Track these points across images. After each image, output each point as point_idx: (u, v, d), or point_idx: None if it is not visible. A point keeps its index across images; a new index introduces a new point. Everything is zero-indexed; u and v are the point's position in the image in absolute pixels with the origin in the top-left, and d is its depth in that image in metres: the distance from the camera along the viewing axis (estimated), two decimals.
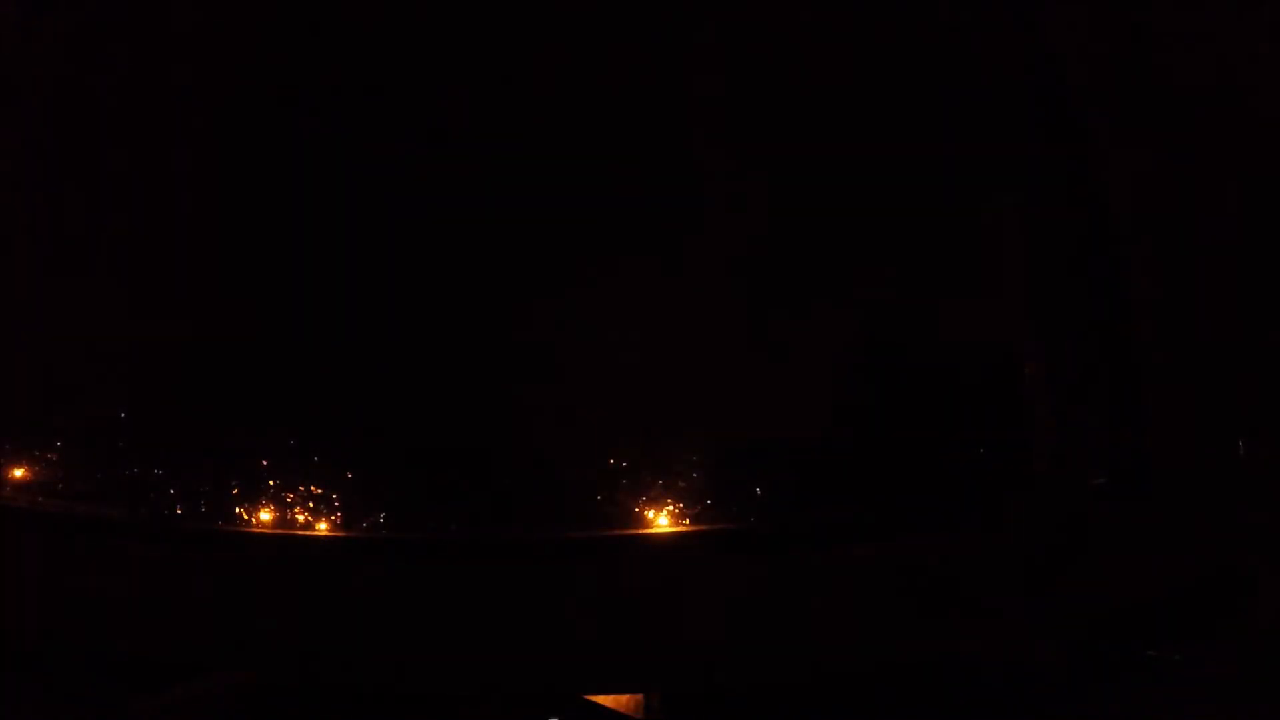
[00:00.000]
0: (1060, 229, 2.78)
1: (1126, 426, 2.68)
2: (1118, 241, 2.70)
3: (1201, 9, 2.59)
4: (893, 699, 2.45)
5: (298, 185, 3.00)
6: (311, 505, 2.88)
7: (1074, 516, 2.56)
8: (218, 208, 3.07)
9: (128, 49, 3.09)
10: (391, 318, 2.98)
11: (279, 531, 2.86)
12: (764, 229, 2.94)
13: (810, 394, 2.93)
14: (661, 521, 2.75)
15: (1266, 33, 2.56)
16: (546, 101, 2.95)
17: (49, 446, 3.10)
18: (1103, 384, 2.71)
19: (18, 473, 3.04)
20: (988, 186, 2.93)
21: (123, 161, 3.08)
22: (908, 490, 2.78)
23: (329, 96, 3.00)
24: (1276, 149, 2.56)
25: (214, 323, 3.02)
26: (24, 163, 3.15)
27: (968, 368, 2.90)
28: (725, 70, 2.93)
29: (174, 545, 2.76)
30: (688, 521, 2.75)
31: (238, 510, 2.90)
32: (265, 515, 2.89)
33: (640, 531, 2.73)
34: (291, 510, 2.89)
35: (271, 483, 2.93)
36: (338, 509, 2.88)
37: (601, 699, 2.53)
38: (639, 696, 2.52)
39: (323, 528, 2.86)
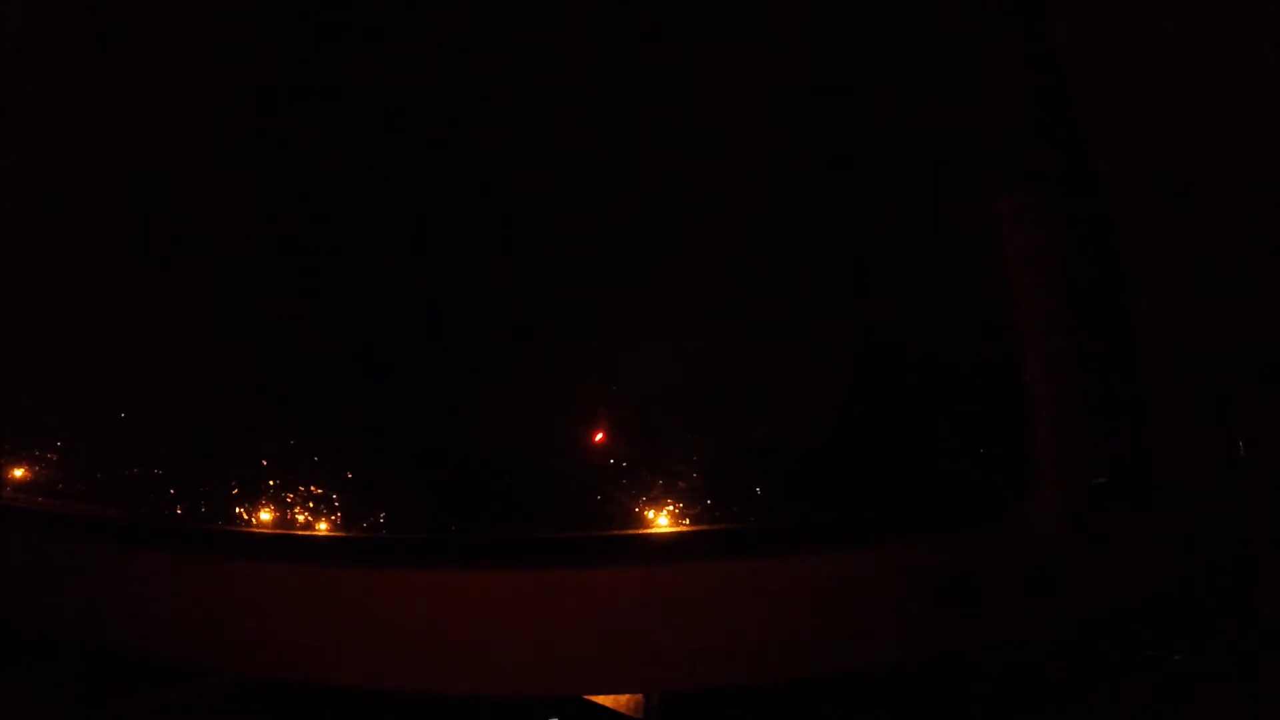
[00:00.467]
0: (1060, 229, 2.78)
1: (1126, 426, 2.68)
2: (1118, 241, 2.70)
3: (1202, 9, 2.59)
4: (893, 699, 2.45)
5: (298, 185, 3.00)
6: (311, 505, 2.88)
7: (1074, 516, 2.56)
8: (218, 208, 3.07)
9: (128, 49, 3.09)
10: (392, 318, 2.98)
11: (279, 531, 2.86)
12: (764, 229, 2.94)
13: (810, 394, 2.93)
14: (661, 521, 2.75)
15: (1267, 33, 2.56)
16: (545, 100, 2.95)
17: (49, 446, 3.10)
18: (1103, 384, 2.71)
19: (18, 473, 3.03)
20: (987, 186, 2.93)
21: (123, 161, 3.08)
22: (907, 490, 2.78)
23: (329, 97, 3.00)
24: (1277, 149, 2.56)
25: (214, 322, 3.02)
26: (24, 163, 3.15)
27: (967, 367, 2.91)
28: (725, 70, 2.93)
29: (174, 545, 2.76)
30: (688, 521, 2.75)
31: (238, 510, 2.90)
32: (265, 515, 2.88)
33: (640, 531, 2.73)
34: (291, 510, 2.89)
35: (271, 483, 2.92)
36: (338, 509, 2.88)
37: (601, 699, 2.53)
38: (639, 696, 2.52)
39: (323, 528, 2.86)
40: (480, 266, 2.94)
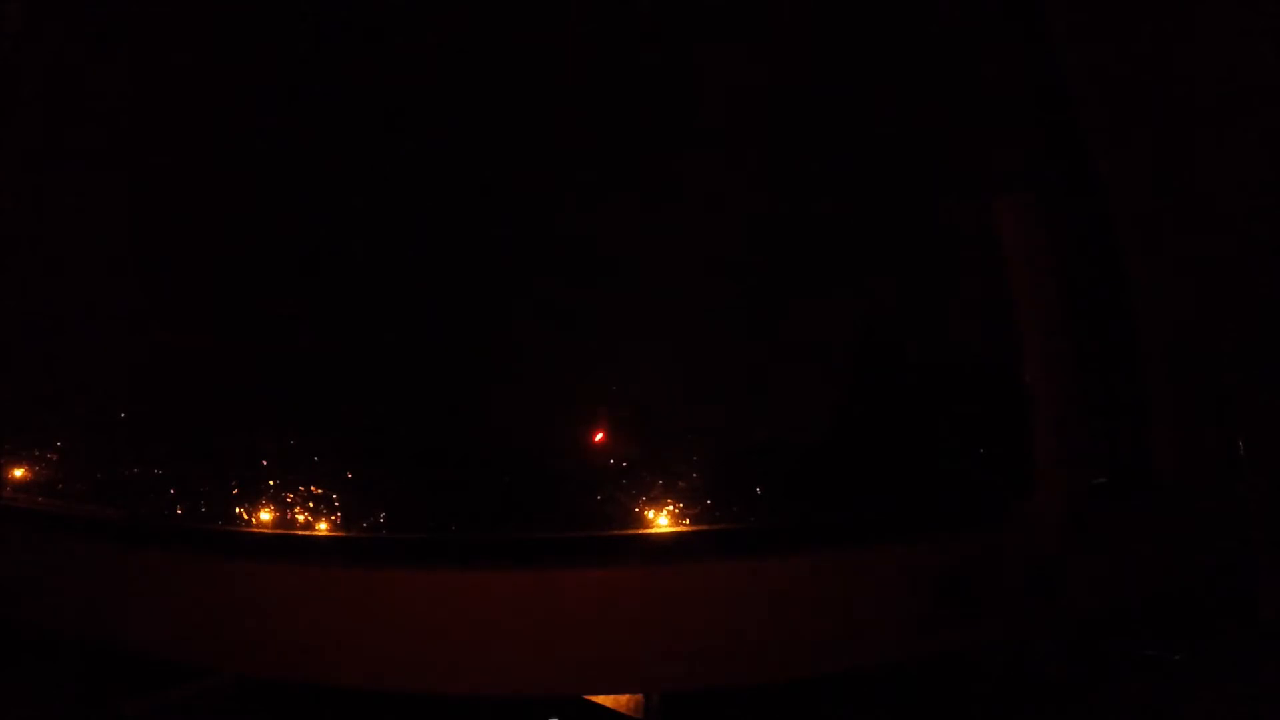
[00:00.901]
0: (1060, 229, 2.78)
1: (1126, 426, 2.68)
2: (1118, 242, 2.70)
3: (1202, 9, 2.59)
4: (893, 699, 2.45)
5: (298, 185, 3.00)
6: (311, 505, 2.88)
7: (1074, 516, 2.56)
8: (217, 207, 3.07)
9: (127, 49, 3.08)
10: (391, 317, 2.98)
11: (279, 531, 2.86)
12: (764, 229, 2.94)
13: (810, 393, 2.93)
14: (661, 521, 2.75)
15: (1267, 33, 2.56)
16: (545, 100, 2.95)
17: (49, 446, 3.10)
18: (1103, 384, 2.71)
19: (18, 473, 3.03)
20: (987, 187, 2.93)
21: (123, 161, 3.08)
22: (908, 490, 2.78)
23: (329, 97, 2.99)
24: (1277, 149, 2.56)
25: (214, 322, 3.02)
26: (24, 163, 3.15)
27: (967, 367, 2.90)
28: (726, 70, 2.93)
29: (174, 545, 2.76)
30: (688, 521, 2.75)
31: (238, 510, 2.90)
32: (265, 515, 2.88)
33: (640, 531, 2.73)
34: (291, 510, 2.89)
35: (271, 483, 2.92)
36: (338, 509, 2.88)
37: (601, 699, 2.53)
38: (639, 696, 2.52)
39: (323, 528, 2.86)
40: (480, 266, 2.94)
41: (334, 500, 2.88)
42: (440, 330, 2.96)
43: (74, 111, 3.13)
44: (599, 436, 2.89)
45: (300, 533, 2.84)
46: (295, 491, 2.90)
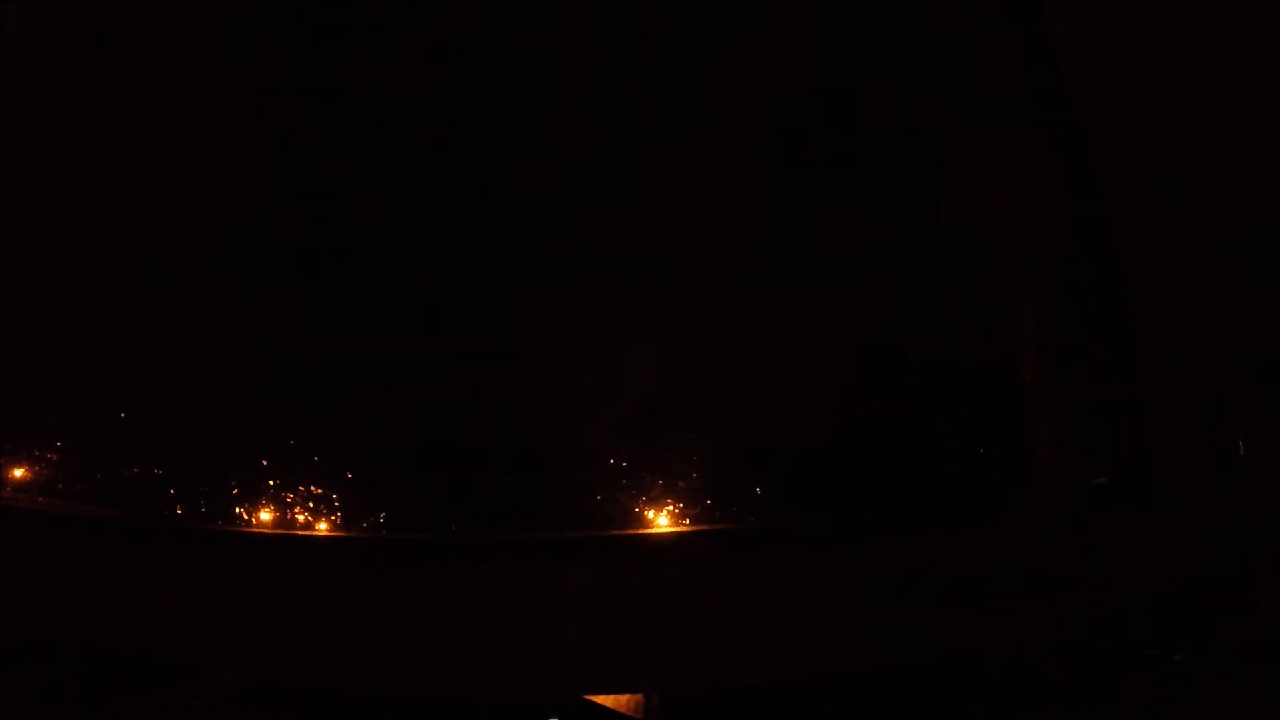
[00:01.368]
0: (1060, 229, 2.78)
1: (1126, 426, 2.68)
2: (1117, 241, 2.70)
3: (1202, 9, 2.59)
4: (893, 699, 2.45)
5: (298, 185, 3.00)
6: (311, 505, 2.88)
7: (1074, 516, 2.56)
8: (217, 208, 3.07)
9: (127, 49, 3.08)
10: (392, 317, 2.98)
11: (279, 531, 2.86)
12: (764, 229, 2.94)
13: (810, 394, 2.93)
14: (661, 521, 2.75)
15: (1267, 33, 2.56)
16: (545, 100, 2.95)
17: (49, 446, 3.10)
18: (1103, 384, 2.71)
19: (18, 473, 3.03)
20: (987, 186, 2.93)
21: (123, 161, 3.08)
22: (908, 490, 2.78)
23: (328, 96, 2.99)
24: (1276, 149, 2.56)
25: (214, 322, 3.02)
26: (24, 163, 3.15)
27: (967, 367, 2.91)
28: (725, 71, 2.93)
29: (174, 545, 2.76)
30: (688, 521, 2.75)
31: (238, 510, 2.90)
32: (265, 515, 2.88)
33: (640, 531, 2.73)
34: (291, 510, 2.89)
35: (271, 483, 2.92)
36: (338, 509, 2.88)
37: (601, 699, 2.53)
38: (639, 696, 2.52)
39: (323, 528, 2.86)
40: (480, 266, 2.94)
41: (334, 500, 2.89)
42: (440, 330, 2.96)
43: (74, 111, 3.13)
44: (599, 436, 2.89)
45: (300, 533, 2.85)
46: (295, 491, 2.90)
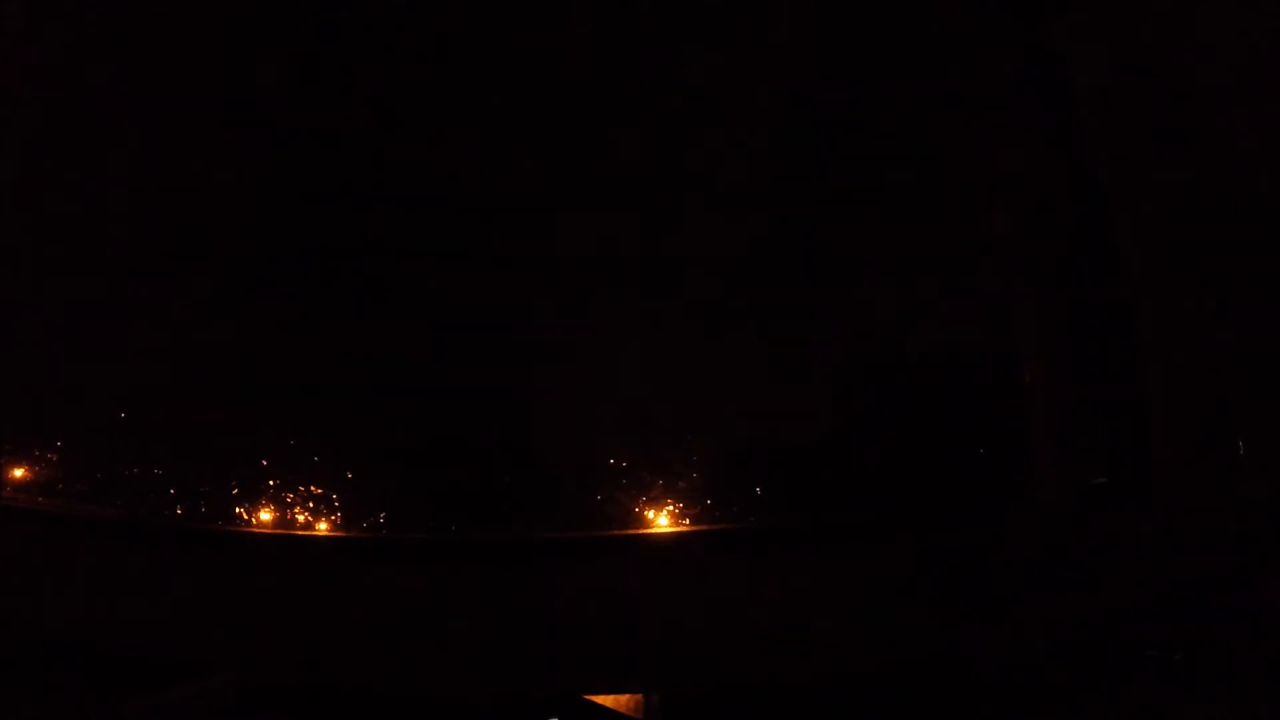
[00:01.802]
0: (1060, 229, 2.78)
1: (1126, 426, 2.68)
2: (1117, 242, 2.70)
3: (1202, 9, 2.59)
4: (893, 699, 2.45)
5: (299, 186, 3.00)
6: (311, 505, 2.88)
7: (1074, 516, 2.56)
8: (218, 209, 3.07)
9: (128, 50, 3.09)
10: (392, 319, 2.98)
11: (279, 531, 2.86)
12: (765, 232, 2.94)
13: (810, 394, 2.94)
14: (661, 521, 2.75)
15: (1267, 33, 2.56)
16: (545, 101, 2.95)
17: (49, 446, 3.10)
18: (1103, 384, 2.71)
19: (18, 473, 3.04)
20: (987, 189, 2.93)
21: (124, 164, 3.08)
22: (908, 490, 2.78)
23: (329, 98, 3.00)
24: (1277, 149, 2.56)
25: (215, 323, 3.02)
26: (26, 165, 3.15)
27: (968, 369, 2.91)
28: (728, 75, 2.93)
29: (174, 545, 2.76)
30: (688, 521, 2.75)
31: (238, 510, 2.90)
32: (265, 515, 2.89)
33: (640, 531, 2.73)
34: (291, 510, 2.89)
35: (271, 483, 2.93)
36: (338, 509, 2.88)
37: (601, 699, 2.53)
38: (639, 696, 2.52)
39: (323, 528, 2.86)
40: (481, 268, 2.94)
41: (334, 500, 2.89)
42: (440, 330, 2.96)
43: (74, 111, 3.13)
44: (599, 436, 2.89)
45: (300, 533, 2.85)
46: (295, 491, 2.90)
